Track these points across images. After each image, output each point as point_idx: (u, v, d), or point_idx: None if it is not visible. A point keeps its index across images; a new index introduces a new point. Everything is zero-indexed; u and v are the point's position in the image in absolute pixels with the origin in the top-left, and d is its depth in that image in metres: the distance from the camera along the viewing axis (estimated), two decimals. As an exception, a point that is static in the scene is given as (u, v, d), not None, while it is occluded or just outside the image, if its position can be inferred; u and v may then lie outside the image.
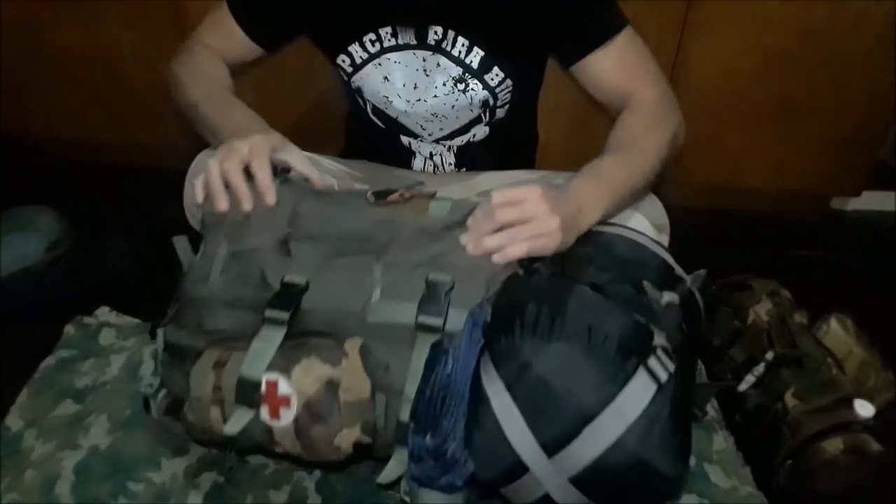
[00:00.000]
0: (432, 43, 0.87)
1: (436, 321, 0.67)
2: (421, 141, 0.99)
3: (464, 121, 0.95)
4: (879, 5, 1.31)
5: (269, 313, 0.68)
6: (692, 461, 0.80)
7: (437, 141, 0.98)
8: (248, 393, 0.65)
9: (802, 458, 0.79)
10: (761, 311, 1.00)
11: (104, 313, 1.02)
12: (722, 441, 0.90)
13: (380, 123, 0.98)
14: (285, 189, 0.75)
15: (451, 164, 1.01)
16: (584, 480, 0.61)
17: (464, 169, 1.01)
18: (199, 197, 0.74)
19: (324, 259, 0.71)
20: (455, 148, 0.99)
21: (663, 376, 0.61)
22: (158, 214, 1.42)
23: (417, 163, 1.01)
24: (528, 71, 0.96)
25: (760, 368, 0.89)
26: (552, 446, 0.61)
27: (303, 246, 0.72)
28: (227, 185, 0.72)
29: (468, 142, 0.98)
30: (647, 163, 0.81)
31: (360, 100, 0.97)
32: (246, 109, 0.84)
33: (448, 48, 0.88)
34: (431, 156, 1.00)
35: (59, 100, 1.57)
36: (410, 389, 0.65)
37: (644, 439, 0.60)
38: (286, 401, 0.65)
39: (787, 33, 1.35)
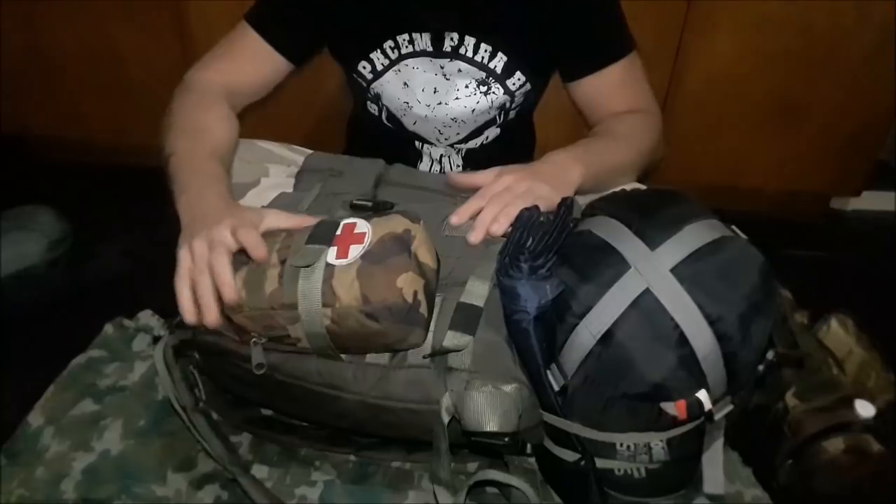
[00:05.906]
0: (448, 49, 0.88)
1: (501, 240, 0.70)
2: (433, 146, 0.99)
3: (480, 123, 0.95)
4: (879, 5, 1.32)
5: (355, 202, 0.74)
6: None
7: (451, 145, 0.99)
8: (324, 232, 0.64)
9: (803, 457, 0.79)
10: (762, 310, 1.00)
11: (146, 317, 1.00)
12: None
13: (393, 129, 0.98)
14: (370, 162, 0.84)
15: (458, 165, 1.01)
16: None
17: (469, 170, 1.01)
18: (188, 309, 0.64)
19: (406, 194, 0.80)
20: (464, 151, 0.99)
21: None
22: (158, 214, 1.43)
23: (423, 165, 1.01)
24: (546, 76, 0.97)
25: (761, 368, 0.89)
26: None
27: (389, 188, 0.81)
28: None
29: (480, 144, 0.99)
30: (623, 144, 0.84)
31: (375, 106, 0.97)
32: (222, 187, 0.75)
33: (467, 53, 0.88)
34: (440, 158, 1.00)
35: (59, 100, 1.57)
36: (472, 284, 0.66)
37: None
38: (360, 237, 0.64)
39: (787, 33, 1.36)
